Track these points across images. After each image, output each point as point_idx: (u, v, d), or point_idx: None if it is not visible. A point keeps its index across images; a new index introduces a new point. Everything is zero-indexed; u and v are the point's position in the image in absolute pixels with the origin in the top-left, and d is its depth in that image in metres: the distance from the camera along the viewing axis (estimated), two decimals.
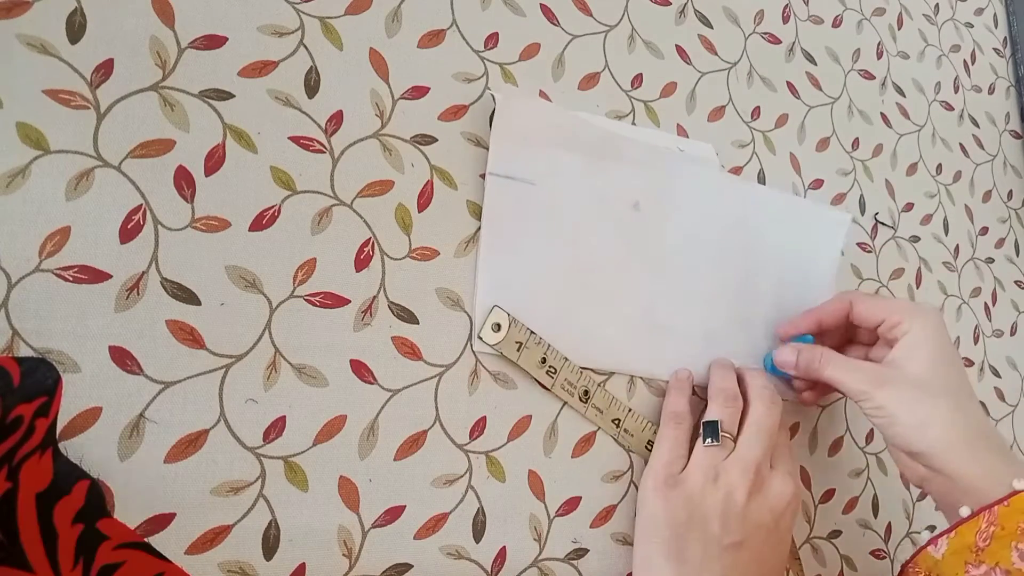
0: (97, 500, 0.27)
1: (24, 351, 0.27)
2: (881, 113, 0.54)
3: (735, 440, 0.37)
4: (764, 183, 0.47)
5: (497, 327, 0.35)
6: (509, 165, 0.37)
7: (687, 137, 0.44)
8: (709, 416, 0.38)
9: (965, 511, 0.35)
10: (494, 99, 0.37)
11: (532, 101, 0.39)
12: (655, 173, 0.41)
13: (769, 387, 0.39)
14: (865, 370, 0.38)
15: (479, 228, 0.37)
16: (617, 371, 0.39)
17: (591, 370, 0.38)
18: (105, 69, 0.30)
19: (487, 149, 0.37)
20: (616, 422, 0.38)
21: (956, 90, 0.60)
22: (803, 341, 0.41)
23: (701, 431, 0.37)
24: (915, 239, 0.54)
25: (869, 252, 0.51)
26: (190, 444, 0.29)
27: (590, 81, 0.42)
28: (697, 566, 0.34)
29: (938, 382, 0.36)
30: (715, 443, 0.37)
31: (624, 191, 0.40)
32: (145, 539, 0.28)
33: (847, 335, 0.43)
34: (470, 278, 0.36)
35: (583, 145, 0.39)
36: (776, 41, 0.50)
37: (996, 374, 0.55)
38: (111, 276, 0.29)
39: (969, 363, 0.54)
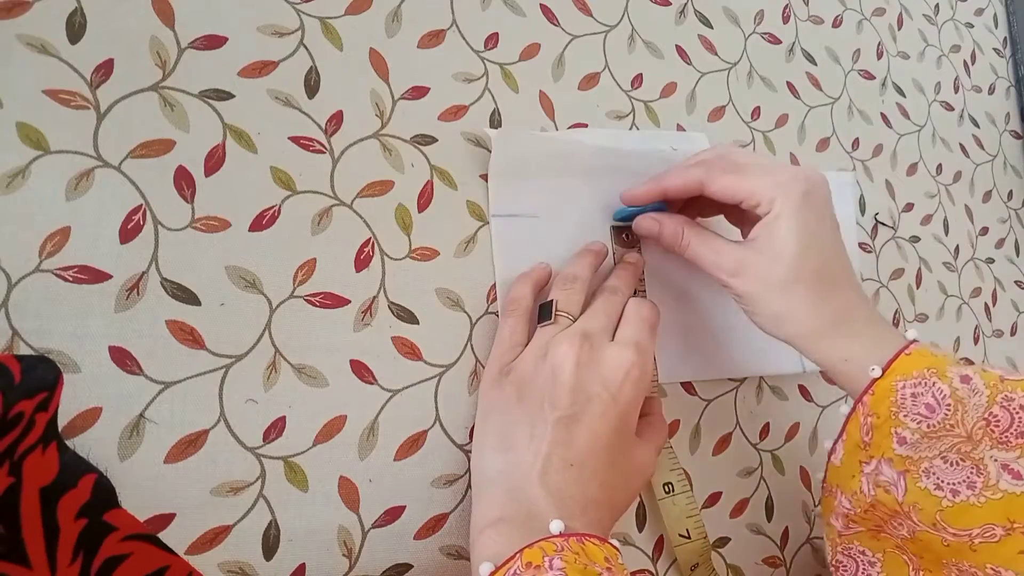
0: (103, 493, 0.27)
1: (24, 351, 0.27)
2: (881, 113, 0.54)
3: (575, 319, 0.34)
4: None
5: None
6: (511, 203, 0.37)
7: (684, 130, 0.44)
8: (545, 298, 0.35)
9: (844, 409, 0.33)
10: (489, 137, 0.37)
11: (525, 135, 0.39)
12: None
13: (620, 286, 0.36)
14: (724, 255, 0.35)
15: (479, 228, 0.37)
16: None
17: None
18: (105, 69, 0.30)
19: (487, 149, 0.37)
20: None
21: (956, 90, 0.60)
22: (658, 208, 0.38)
23: (538, 316, 0.35)
24: (915, 239, 0.54)
25: (869, 252, 0.51)
26: (190, 444, 0.29)
27: (590, 81, 0.42)
28: (523, 449, 0.30)
29: (796, 269, 0.33)
30: (549, 322, 0.34)
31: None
32: (153, 532, 0.28)
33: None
34: (470, 278, 0.36)
35: (579, 167, 0.39)
36: (776, 41, 0.50)
37: None
38: (111, 276, 0.29)
39: (969, 363, 0.54)
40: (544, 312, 0.34)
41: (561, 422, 0.30)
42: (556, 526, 0.28)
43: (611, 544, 0.28)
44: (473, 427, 0.34)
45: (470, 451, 0.34)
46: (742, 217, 0.37)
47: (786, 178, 0.34)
